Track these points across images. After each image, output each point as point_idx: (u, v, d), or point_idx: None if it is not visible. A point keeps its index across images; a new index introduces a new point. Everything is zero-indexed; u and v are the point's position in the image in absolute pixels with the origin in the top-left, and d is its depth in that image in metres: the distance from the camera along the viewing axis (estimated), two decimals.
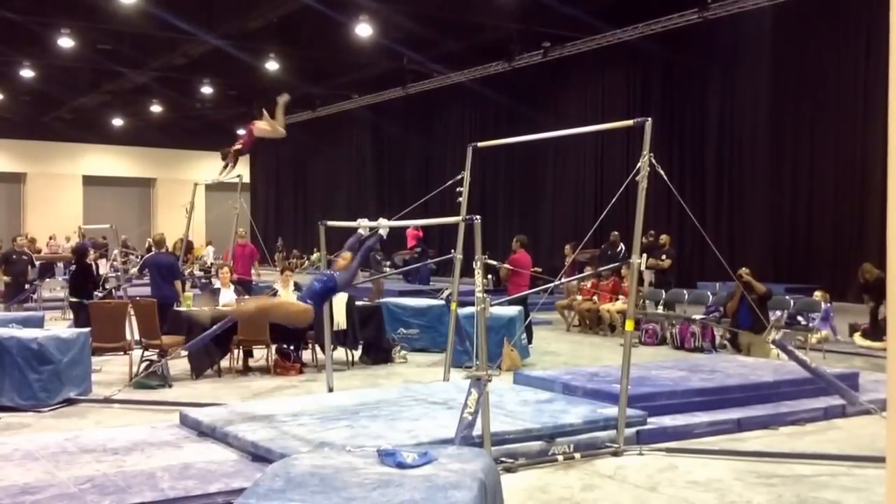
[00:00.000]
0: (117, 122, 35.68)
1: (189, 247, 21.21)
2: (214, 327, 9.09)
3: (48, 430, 7.30)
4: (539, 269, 15.38)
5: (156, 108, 32.87)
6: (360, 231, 7.51)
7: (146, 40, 22.94)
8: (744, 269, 12.01)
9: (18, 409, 8.11)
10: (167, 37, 22.07)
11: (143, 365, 9.65)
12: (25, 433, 7.27)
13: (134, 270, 17.21)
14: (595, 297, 14.40)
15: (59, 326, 11.71)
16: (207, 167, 37.95)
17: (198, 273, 20.34)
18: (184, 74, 26.73)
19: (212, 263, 23.66)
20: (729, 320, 12.15)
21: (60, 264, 21.68)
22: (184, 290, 11.85)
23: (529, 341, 11.85)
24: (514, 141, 7.93)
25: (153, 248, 13.45)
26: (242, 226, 16.54)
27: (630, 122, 7.34)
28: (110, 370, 10.14)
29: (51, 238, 30.14)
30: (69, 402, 8.44)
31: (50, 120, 34.36)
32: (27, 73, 25.95)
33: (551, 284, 9.96)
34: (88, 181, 38.38)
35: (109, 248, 21.57)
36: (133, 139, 37.65)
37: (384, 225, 7.48)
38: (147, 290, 12.22)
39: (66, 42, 21.78)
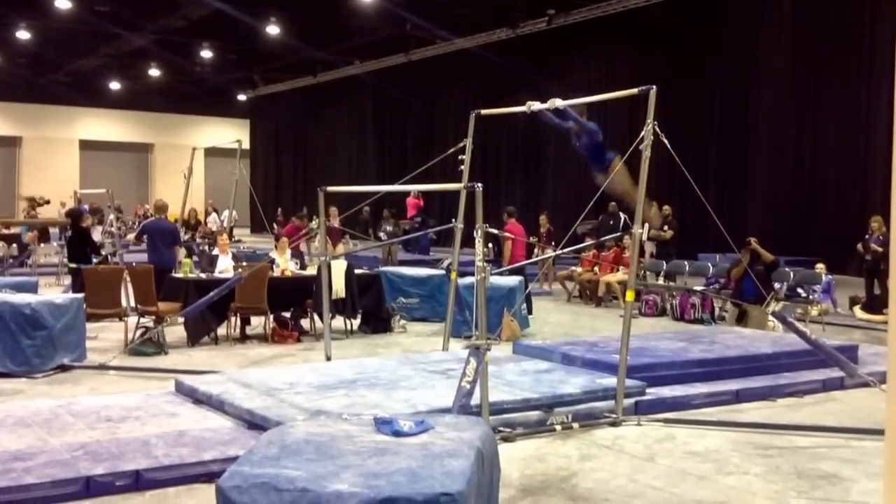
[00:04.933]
0: (115, 85, 35.45)
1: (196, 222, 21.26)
2: (211, 294, 9.04)
3: (41, 397, 7.26)
4: (536, 239, 15.37)
5: (154, 72, 32.62)
6: (557, 105, 7.54)
7: (145, 2, 22.71)
8: (751, 237, 11.93)
9: (11, 375, 8.06)
10: None
11: (139, 331, 9.60)
12: (18, 399, 7.23)
13: (131, 236, 17.18)
14: (596, 268, 14.33)
15: (54, 292, 11.67)
16: (206, 132, 37.90)
17: (199, 241, 20.27)
18: (183, 37, 26.47)
19: (213, 231, 23.61)
20: (730, 291, 12.09)
21: (55, 229, 21.58)
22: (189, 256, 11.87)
23: (529, 311, 11.82)
24: (517, 110, 7.84)
25: (150, 215, 13.42)
26: (241, 191, 16.47)
27: (635, 91, 7.25)
28: (106, 337, 10.09)
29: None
30: (63, 368, 8.40)
31: (47, 83, 34.12)
32: (24, 34, 25.68)
33: (551, 255, 9.93)
34: (85, 146, 38.24)
35: (105, 214, 21.51)
36: (131, 103, 37.45)
37: (560, 105, 7.52)
38: (143, 256, 12.18)
39: (63, 3, 21.55)
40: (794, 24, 18.86)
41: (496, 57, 24.38)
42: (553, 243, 16.30)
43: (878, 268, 12.46)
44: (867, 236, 13.08)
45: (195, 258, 13.89)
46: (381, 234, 21.45)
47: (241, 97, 38.18)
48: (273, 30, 24.45)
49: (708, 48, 20.63)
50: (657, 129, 6.79)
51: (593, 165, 7.84)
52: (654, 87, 6.96)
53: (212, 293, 9.05)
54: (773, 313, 9.02)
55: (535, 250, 17.50)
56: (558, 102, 7.53)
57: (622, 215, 16.87)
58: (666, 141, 6.84)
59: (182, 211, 16.59)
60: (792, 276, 12.75)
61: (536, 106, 7.72)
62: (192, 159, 15.16)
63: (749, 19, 19.76)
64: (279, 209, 31.30)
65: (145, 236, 12.06)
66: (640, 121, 7.10)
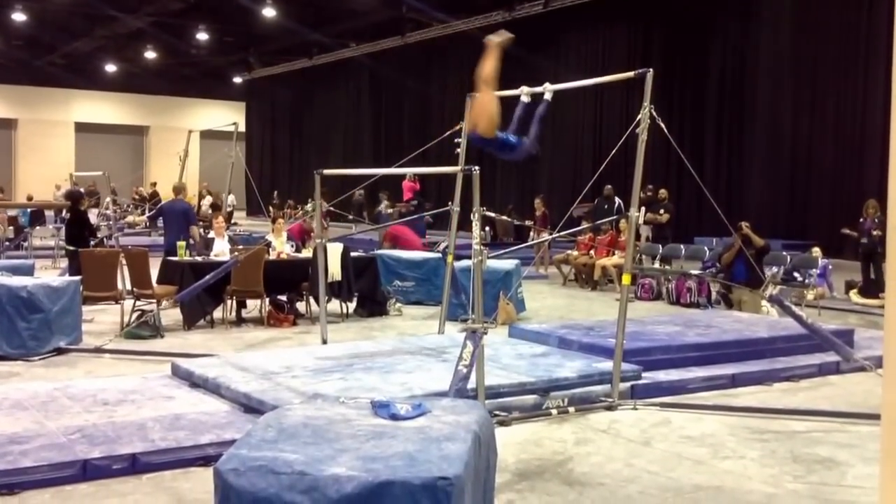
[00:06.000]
0: (111, 68, 35.31)
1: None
2: (207, 277, 9.03)
3: (38, 380, 7.25)
4: (532, 222, 15.39)
5: (150, 55, 32.47)
6: (523, 99, 7.01)
7: None
8: (743, 222, 11.93)
9: (7, 358, 8.05)
10: None
11: (135, 315, 9.59)
12: (14, 382, 7.21)
13: (141, 218, 17.16)
14: (592, 252, 14.34)
15: (50, 275, 11.64)
16: (202, 115, 37.77)
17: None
18: (179, 20, 26.33)
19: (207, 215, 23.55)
20: (723, 273, 12.11)
21: (51, 212, 21.53)
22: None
23: None
24: (514, 93, 7.81)
25: (147, 196, 13.45)
26: (237, 173, 16.44)
27: (631, 74, 7.21)
28: (102, 320, 10.07)
29: None
30: (59, 351, 8.38)
31: (42, 65, 33.96)
32: (19, 16, 25.51)
33: (548, 238, 9.93)
34: (81, 128, 38.10)
35: (101, 197, 21.44)
36: (127, 86, 37.30)
37: (550, 89, 7.02)
38: (139, 240, 12.20)
39: None
40: (792, 6, 18.81)
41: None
42: (549, 227, 16.32)
43: (874, 251, 12.48)
44: (861, 220, 13.10)
45: (191, 241, 13.92)
46: (383, 209, 21.45)
47: (237, 80, 38.05)
48: (269, 12, 24.33)
49: (704, 31, 20.57)
50: (653, 113, 6.77)
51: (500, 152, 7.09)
52: (651, 70, 6.93)
53: (208, 276, 9.04)
54: (770, 297, 9.02)
55: (531, 234, 17.55)
56: (549, 88, 7.34)
57: (617, 199, 16.88)
58: (662, 125, 6.82)
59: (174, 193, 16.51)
60: (788, 259, 12.77)
61: (525, 97, 7.33)
62: (188, 142, 15.12)
63: (746, 3, 19.69)
64: (275, 192, 31.25)
65: (160, 217, 12.25)
66: (636, 103, 7.06)
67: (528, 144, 6.52)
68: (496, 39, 6.48)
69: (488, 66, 6.41)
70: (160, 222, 15.68)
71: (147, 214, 15.49)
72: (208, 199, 24.95)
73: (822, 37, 18.17)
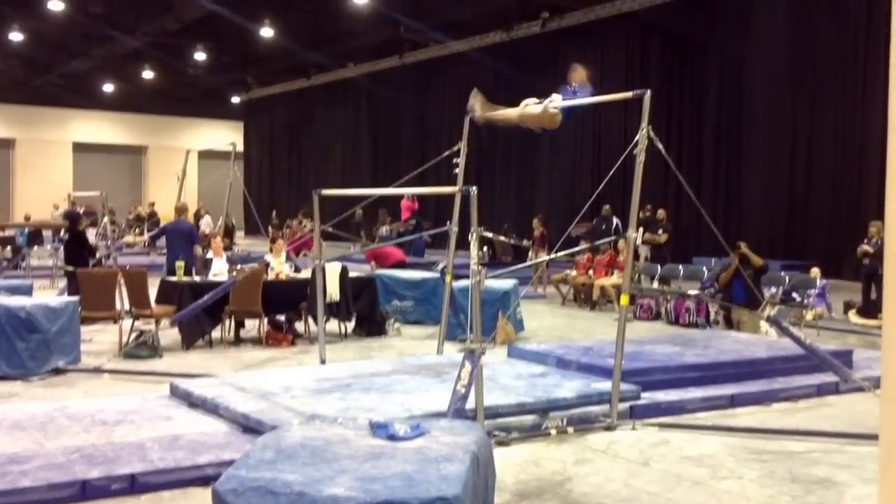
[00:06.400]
0: (108, 87, 35.41)
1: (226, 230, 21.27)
2: (206, 297, 9.04)
3: (36, 400, 7.25)
4: (530, 242, 15.41)
5: (148, 74, 32.57)
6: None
7: (139, 4, 22.68)
8: (741, 241, 11.97)
9: (6, 378, 8.03)
10: (161, 0, 21.81)
11: (134, 335, 9.58)
12: (13, 402, 7.20)
13: (140, 238, 17.14)
14: (590, 272, 14.35)
15: (48, 295, 11.64)
16: (201, 134, 37.84)
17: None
18: (177, 39, 26.44)
19: (206, 234, 23.58)
20: (722, 294, 12.12)
21: (49, 232, 21.53)
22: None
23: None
24: (512, 111, 7.86)
25: (145, 216, 13.51)
26: (235, 193, 16.46)
27: (629, 94, 7.25)
28: (100, 340, 10.07)
29: None
30: (58, 371, 8.37)
31: (40, 84, 34.05)
32: (16, 36, 25.59)
33: (545, 258, 9.94)
34: (79, 148, 38.16)
35: (99, 217, 21.43)
36: (125, 105, 37.40)
37: (556, 104, 7.40)
38: (137, 259, 12.22)
39: (56, 5, 21.49)
40: (787, 29, 18.90)
41: (490, 59, 24.39)
42: (546, 246, 16.35)
43: (876, 272, 12.49)
44: (866, 241, 13.12)
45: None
46: (383, 231, 21.54)
47: (235, 99, 38.16)
48: (267, 32, 24.44)
49: (702, 51, 20.67)
50: (651, 134, 6.80)
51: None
52: (649, 90, 6.96)
53: (206, 296, 9.05)
54: (768, 318, 9.04)
55: (529, 254, 17.57)
56: (557, 100, 7.47)
57: (615, 219, 16.91)
58: (660, 145, 6.85)
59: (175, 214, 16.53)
60: (787, 280, 12.78)
61: (534, 108, 7.57)
62: (186, 162, 15.13)
63: (742, 23, 19.80)
64: (273, 212, 31.25)
65: (163, 237, 12.44)
66: (634, 122, 7.09)
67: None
68: (479, 114, 7.52)
69: (496, 115, 7.56)
70: (159, 241, 15.73)
71: (148, 234, 15.50)
72: (207, 219, 25.00)
73: (820, 55, 18.26)
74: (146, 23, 24.29)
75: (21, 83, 33.91)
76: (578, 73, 7.45)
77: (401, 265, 13.80)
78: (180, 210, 13.39)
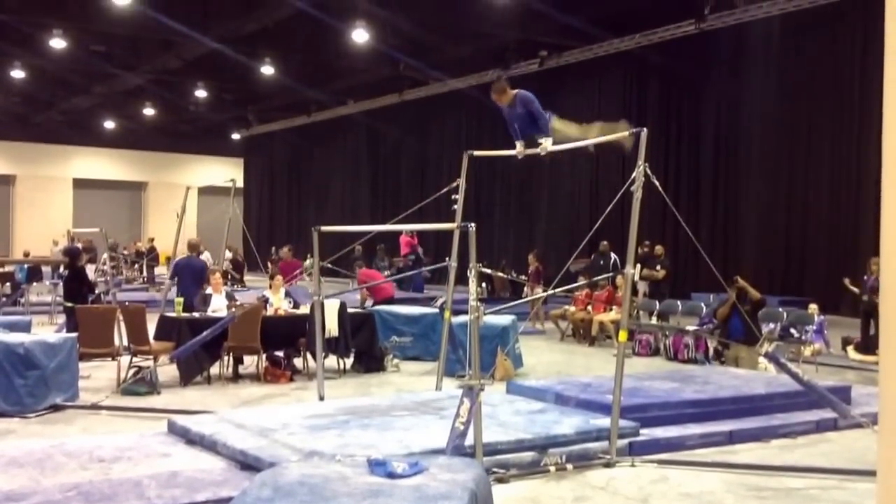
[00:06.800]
0: (109, 124, 35.59)
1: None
2: (205, 333, 9.03)
3: (34, 437, 7.22)
4: (525, 278, 15.43)
5: (149, 111, 32.78)
6: (518, 156, 7.97)
7: (140, 42, 22.88)
8: (738, 276, 11.98)
9: (4, 415, 8.01)
10: (162, 39, 22.02)
11: (132, 371, 9.56)
12: (11, 439, 7.18)
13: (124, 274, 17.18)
14: (589, 307, 14.37)
15: (47, 331, 11.63)
16: (201, 171, 37.99)
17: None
18: (178, 77, 26.64)
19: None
20: (720, 329, 12.11)
21: (48, 268, 21.54)
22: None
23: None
24: (510, 153, 7.96)
25: (146, 251, 13.53)
26: (234, 230, 16.51)
27: (626, 134, 7.32)
28: (98, 376, 10.04)
29: None
30: (56, 408, 8.35)
31: (41, 121, 34.24)
32: (18, 73, 25.77)
33: (541, 294, 9.97)
34: (79, 184, 38.27)
35: (98, 252, 21.46)
36: (125, 142, 37.59)
37: (546, 148, 7.66)
38: (136, 295, 12.22)
39: (58, 43, 21.67)
40: (781, 65, 19.09)
41: (489, 97, 24.51)
42: (542, 282, 16.38)
43: (874, 308, 12.50)
44: (865, 277, 13.14)
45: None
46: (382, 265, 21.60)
47: (236, 136, 38.36)
48: (267, 70, 24.64)
49: (698, 90, 20.85)
50: (648, 171, 6.85)
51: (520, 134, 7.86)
52: (645, 129, 7.04)
53: (205, 332, 9.05)
54: (766, 354, 9.05)
55: (525, 289, 17.61)
56: (548, 146, 7.61)
57: (613, 255, 16.96)
58: (657, 182, 6.90)
59: (174, 250, 16.57)
60: (785, 316, 12.79)
61: (523, 151, 7.84)
62: (186, 198, 15.17)
63: (737, 64, 19.99)
64: (273, 248, 31.30)
65: (176, 274, 12.49)
66: (631, 161, 7.16)
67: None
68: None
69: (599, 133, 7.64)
70: (158, 276, 15.76)
71: (168, 278, 15.56)
72: (207, 255, 25.02)
73: (814, 93, 18.41)
74: (148, 61, 24.48)
75: (22, 120, 34.09)
76: (500, 94, 7.87)
77: (389, 301, 13.78)
78: (193, 246, 13.47)
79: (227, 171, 33.09)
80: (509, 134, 7.87)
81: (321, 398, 8.27)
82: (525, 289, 16.75)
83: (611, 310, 13.88)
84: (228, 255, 23.44)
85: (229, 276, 21.12)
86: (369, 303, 13.67)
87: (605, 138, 7.49)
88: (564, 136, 7.77)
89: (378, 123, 30.28)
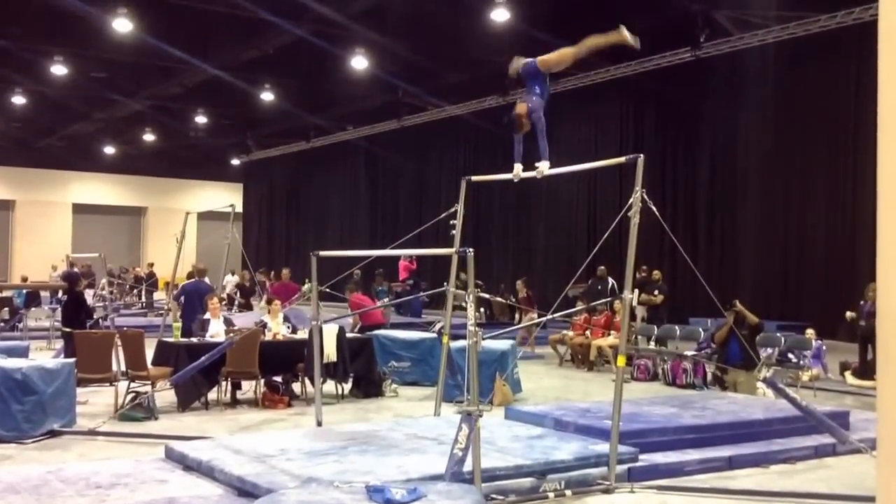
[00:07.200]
0: (109, 150, 35.67)
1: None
2: (203, 358, 9.02)
3: (31, 463, 7.20)
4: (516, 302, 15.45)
5: (149, 137, 32.86)
6: (515, 180, 8.18)
7: (141, 69, 22.99)
8: (736, 300, 11.98)
9: (1, 441, 7.98)
10: (162, 66, 22.14)
11: (129, 396, 9.54)
12: (7, 465, 7.16)
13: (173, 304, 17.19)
14: (587, 332, 14.37)
15: (45, 356, 11.61)
16: (200, 196, 38.06)
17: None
18: (178, 103, 26.77)
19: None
20: (718, 354, 12.09)
21: (46, 293, 21.52)
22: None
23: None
24: (508, 177, 8.00)
25: (146, 276, 13.54)
26: (234, 255, 16.51)
27: (622, 160, 7.38)
28: (96, 402, 10.01)
29: None
30: (53, 433, 8.33)
31: (41, 147, 34.32)
32: (19, 99, 25.90)
33: (540, 319, 9.98)
34: (78, 209, 38.29)
35: (97, 278, 21.45)
36: (125, 167, 37.65)
37: (543, 172, 7.94)
38: (135, 321, 12.22)
39: (59, 69, 21.80)
40: (776, 92, 19.20)
41: (487, 122, 24.67)
42: (535, 307, 16.41)
43: (872, 334, 12.48)
44: (862, 303, 13.15)
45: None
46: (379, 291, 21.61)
47: (235, 161, 38.45)
48: (267, 96, 24.77)
49: (695, 116, 20.95)
50: (645, 197, 6.89)
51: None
52: (641, 156, 7.09)
53: (203, 358, 9.04)
54: (764, 379, 9.04)
55: (517, 315, 17.64)
56: (545, 169, 7.68)
57: (610, 280, 16.98)
58: (654, 208, 6.94)
59: (173, 275, 16.59)
60: (783, 341, 12.78)
61: (521, 174, 7.98)
62: (185, 223, 15.19)
63: (733, 86, 20.10)
64: (272, 272, 31.30)
65: (182, 297, 12.61)
66: (629, 183, 7.21)
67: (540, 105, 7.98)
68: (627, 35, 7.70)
69: (595, 41, 7.90)
70: (156, 301, 15.72)
71: (173, 299, 15.56)
72: (232, 278, 25.00)
73: (810, 119, 18.49)
74: (148, 87, 24.60)
75: (22, 145, 34.16)
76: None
77: (379, 327, 13.70)
78: (201, 272, 13.49)
79: (226, 197, 33.12)
80: (504, 160, 7.98)
81: (319, 424, 8.25)
82: (517, 315, 16.79)
83: (609, 334, 13.87)
84: (235, 279, 23.45)
85: (236, 302, 21.14)
86: (357, 328, 13.60)
87: (605, 39, 7.75)
88: (561, 57, 8.12)
89: (377, 149, 30.39)
